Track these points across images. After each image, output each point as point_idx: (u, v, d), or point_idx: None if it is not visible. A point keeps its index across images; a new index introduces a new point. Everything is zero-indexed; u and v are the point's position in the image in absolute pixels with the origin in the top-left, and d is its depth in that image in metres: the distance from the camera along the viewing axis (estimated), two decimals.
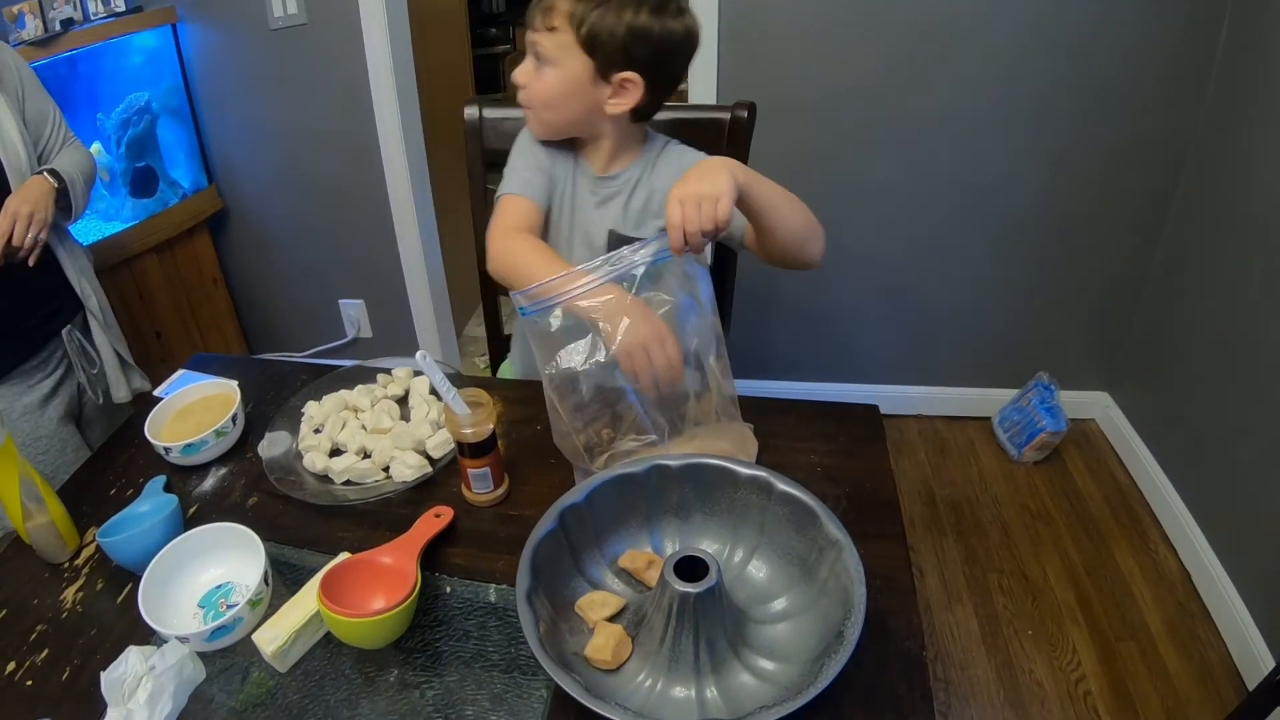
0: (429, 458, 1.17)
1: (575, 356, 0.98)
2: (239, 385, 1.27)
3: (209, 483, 1.15)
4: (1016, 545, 2.19)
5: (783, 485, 0.88)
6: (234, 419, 1.20)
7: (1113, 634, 1.92)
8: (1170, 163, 2.11)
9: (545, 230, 1.31)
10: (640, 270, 1.01)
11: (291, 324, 2.85)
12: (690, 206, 0.95)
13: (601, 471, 0.91)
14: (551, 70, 1.18)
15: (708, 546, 0.93)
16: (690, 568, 0.79)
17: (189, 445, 1.15)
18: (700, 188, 0.96)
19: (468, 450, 1.04)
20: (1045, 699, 1.80)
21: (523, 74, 1.21)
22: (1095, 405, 2.55)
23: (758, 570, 0.92)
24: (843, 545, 0.82)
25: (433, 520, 1.03)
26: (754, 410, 1.12)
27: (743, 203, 1.03)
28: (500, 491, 1.10)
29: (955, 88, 2.09)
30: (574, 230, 1.34)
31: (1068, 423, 2.36)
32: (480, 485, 1.08)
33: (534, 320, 0.99)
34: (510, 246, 1.15)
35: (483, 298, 1.70)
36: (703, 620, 0.78)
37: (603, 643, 0.81)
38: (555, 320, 0.99)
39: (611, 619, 0.87)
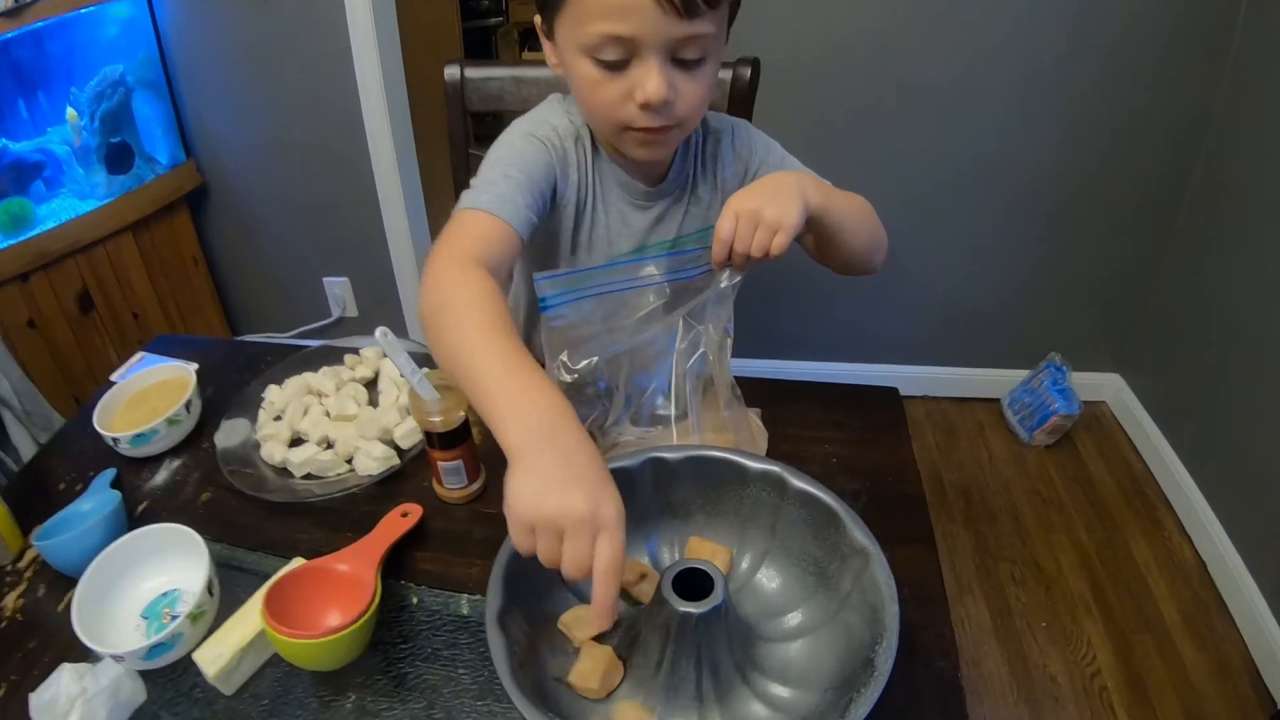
0: (397, 448, 1.06)
1: (580, 358, 0.87)
2: (201, 368, 1.16)
3: (161, 476, 1.05)
4: (1028, 533, 2.11)
5: (798, 482, 0.77)
6: (188, 405, 1.09)
7: (1128, 627, 1.86)
8: (1189, 139, 2.04)
9: (532, 266, 1.07)
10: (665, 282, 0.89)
11: (274, 304, 2.74)
12: (746, 224, 0.82)
13: None
14: (710, 65, 0.88)
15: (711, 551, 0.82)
16: (691, 580, 0.68)
17: (138, 435, 1.04)
18: (764, 208, 0.82)
19: (437, 441, 0.93)
20: (1060, 696, 1.73)
21: (666, 87, 0.83)
22: (1107, 387, 2.47)
23: (769, 579, 0.80)
24: (870, 554, 0.71)
25: (398, 521, 0.93)
26: (760, 394, 1.00)
27: (811, 224, 0.89)
28: (475, 487, 0.99)
29: (967, 56, 1.99)
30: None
31: (1081, 405, 2.27)
32: (452, 480, 0.97)
33: (548, 316, 0.89)
34: (455, 299, 0.78)
35: None
36: (706, 642, 0.67)
37: (589, 668, 0.70)
38: (564, 317, 0.89)
39: (600, 638, 0.75)
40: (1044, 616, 1.89)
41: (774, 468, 0.78)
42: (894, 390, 1.10)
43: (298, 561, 0.86)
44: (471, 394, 0.71)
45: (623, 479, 0.77)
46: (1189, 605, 1.89)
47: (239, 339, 2.75)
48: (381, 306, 2.67)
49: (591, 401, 0.94)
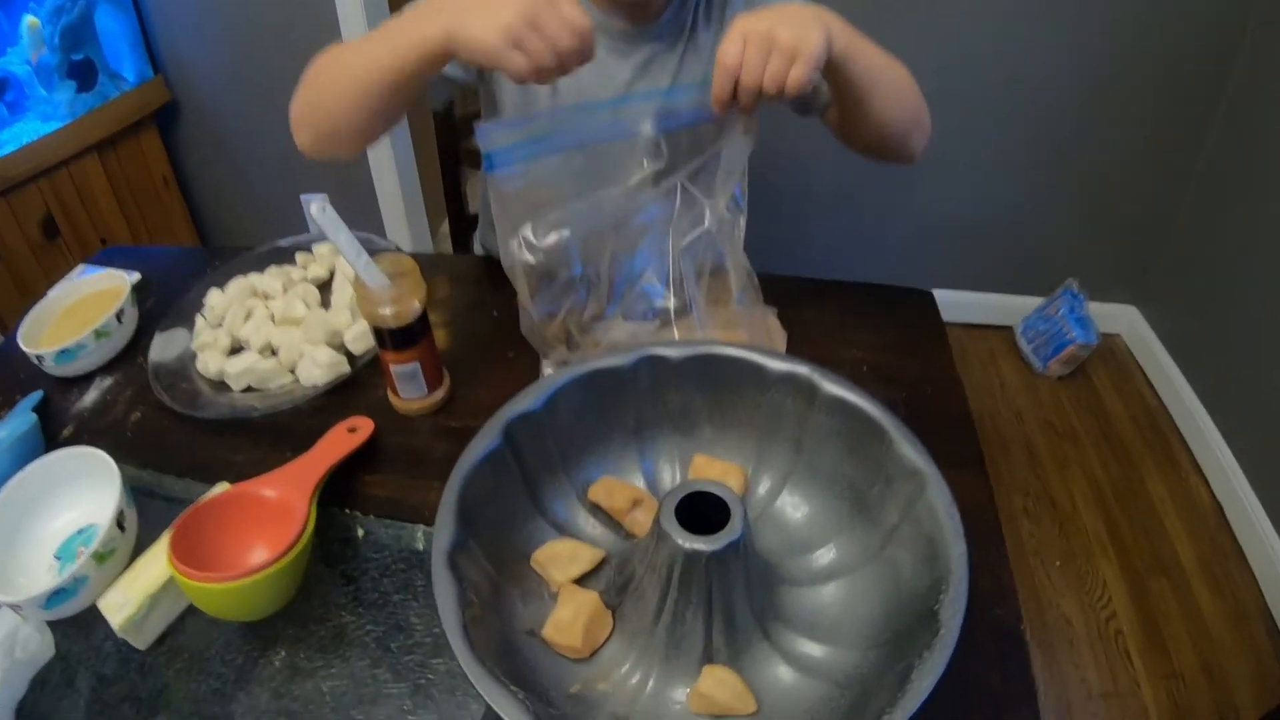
0: (349, 354, 0.92)
1: (547, 230, 0.69)
2: (146, 280, 1.06)
3: (90, 397, 0.92)
4: (1042, 466, 2.01)
5: (832, 386, 0.61)
6: (119, 316, 0.96)
7: (1144, 568, 1.78)
8: (1220, 64, 1.93)
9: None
10: (650, 126, 0.71)
11: (251, 223, 2.62)
12: (756, 50, 0.65)
13: (569, 365, 0.62)
14: None
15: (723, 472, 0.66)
16: (699, 508, 0.52)
17: (63, 351, 0.91)
18: (778, 30, 0.65)
19: (389, 339, 0.77)
20: (1075, 639, 1.64)
21: None
22: (1122, 319, 2.36)
23: (793, 508, 0.65)
24: (926, 478, 0.55)
25: (343, 437, 0.78)
26: (775, 293, 0.84)
27: (834, 75, 0.73)
28: (438, 396, 0.84)
29: None
30: None
31: (1099, 336, 2.16)
32: (409, 388, 0.81)
33: (498, 176, 0.70)
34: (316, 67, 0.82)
35: (442, 167, 1.41)
36: (718, 588, 0.52)
37: (570, 618, 0.55)
38: (522, 177, 0.70)
39: (583, 579, 0.60)
40: (1058, 555, 1.80)
41: (800, 368, 0.62)
42: (928, 294, 0.94)
43: (221, 487, 0.72)
44: (375, 81, 0.74)
45: (611, 382, 0.62)
46: (1205, 549, 1.81)
47: (188, 247, 2.60)
48: (363, 224, 2.50)
49: (565, 290, 0.77)
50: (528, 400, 0.60)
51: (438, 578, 0.49)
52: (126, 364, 0.96)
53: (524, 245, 0.72)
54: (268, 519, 0.69)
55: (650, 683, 0.54)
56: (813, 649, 0.56)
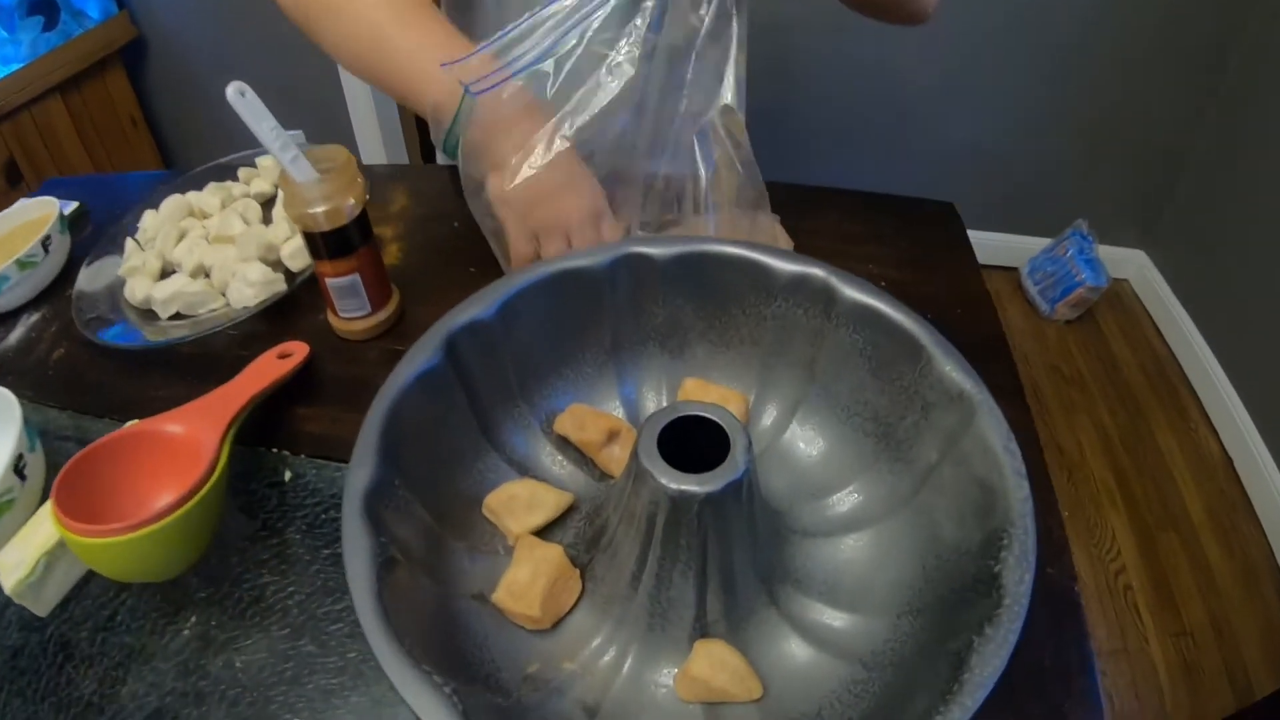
0: (287, 272, 0.80)
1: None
2: (86, 208, 0.96)
3: (16, 334, 0.81)
4: (1049, 412, 1.95)
5: (854, 292, 0.48)
6: (45, 244, 0.84)
7: (1153, 522, 1.72)
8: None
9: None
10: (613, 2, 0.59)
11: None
12: None
13: (530, 266, 0.50)
14: None
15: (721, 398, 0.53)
16: (688, 439, 0.41)
17: None
18: None
19: (322, 245, 0.65)
20: (1084, 594, 1.58)
21: None
22: (1130, 264, 2.28)
23: (806, 443, 0.52)
24: (975, 404, 0.44)
25: (272, 364, 0.67)
26: (778, 200, 0.71)
27: None
28: (383, 316, 0.72)
29: None
30: None
31: (1109, 278, 2.07)
32: (349, 304, 0.69)
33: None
34: None
35: None
36: (714, 541, 0.40)
37: (527, 579, 0.43)
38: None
39: (546, 531, 0.48)
40: (1066, 505, 1.73)
41: (815, 270, 0.49)
42: (950, 206, 0.82)
43: (132, 425, 0.60)
44: (389, 82, 0.68)
45: (582, 287, 0.49)
46: (1215, 502, 1.76)
47: (132, 173, 2.52)
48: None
49: None
50: (476, 307, 0.47)
51: (349, 530, 0.38)
52: (55, 298, 0.85)
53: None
54: (174, 461, 0.56)
55: (628, 662, 0.42)
56: (831, 617, 0.44)
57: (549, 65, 0.60)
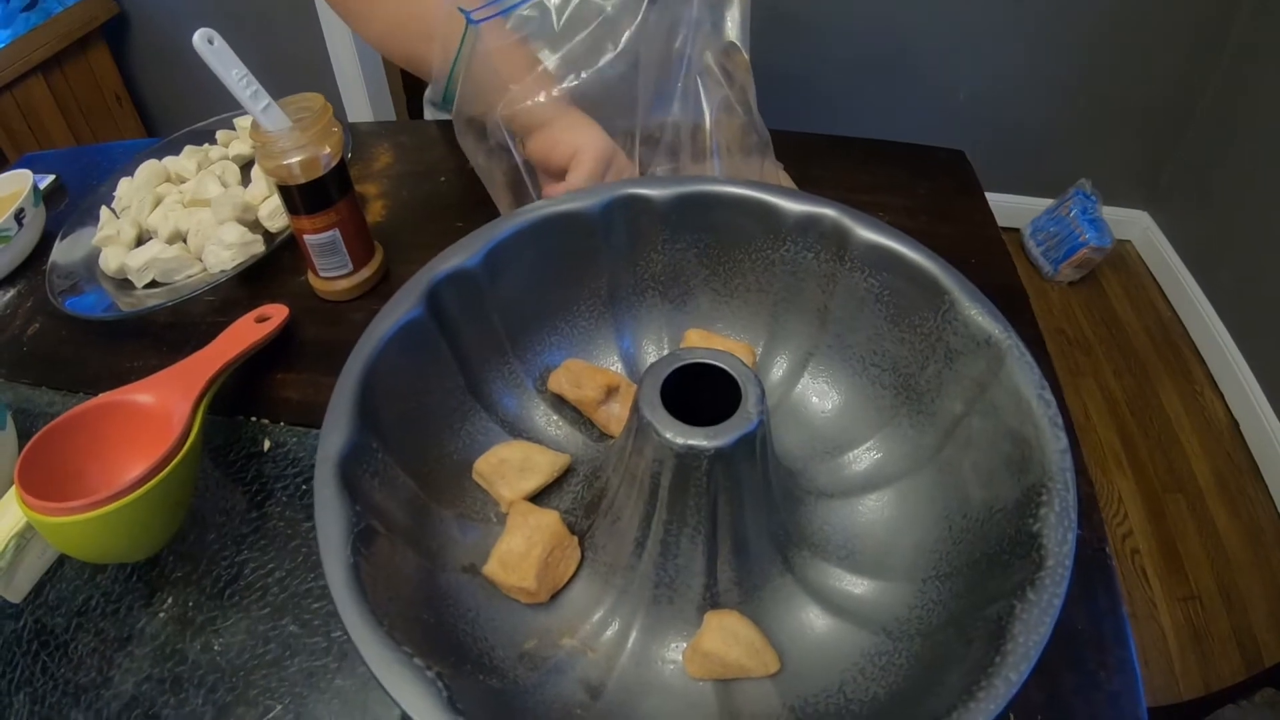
0: (266, 233, 0.77)
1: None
2: (63, 181, 0.94)
3: None
4: (1053, 375, 1.85)
5: (868, 232, 0.44)
6: (19, 217, 0.81)
7: (1160, 485, 1.70)
8: None
9: None
10: None
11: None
12: None
13: (518, 210, 0.46)
14: None
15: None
16: (695, 390, 0.37)
17: None
18: None
19: (299, 199, 0.61)
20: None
21: None
22: (1134, 225, 2.24)
23: (819, 396, 0.49)
24: (1004, 349, 0.40)
25: (249, 328, 0.64)
26: (784, 149, 0.68)
27: None
28: (366, 274, 0.68)
29: None
30: None
31: (1113, 239, 2.03)
32: (329, 263, 0.65)
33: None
34: None
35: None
36: (725, 502, 0.36)
37: (521, 549, 0.39)
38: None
39: (541, 496, 0.44)
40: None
41: (827, 209, 0.45)
42: (960, 154, 0.78)
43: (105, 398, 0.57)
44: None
45: (576, 232, 0.45)
46: (1221, 465, 1.73)
47: (109, 143, 2.51)
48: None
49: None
50: (460, 255, 0.43)
51: (321, 498, 0.34)
52: (30, 273, 0.82)
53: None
54: (144, 433, 0.53)
55: (632, 636, 0.39)
56: (852, 583, 0.41)
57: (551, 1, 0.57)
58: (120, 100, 2.35)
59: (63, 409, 0.63)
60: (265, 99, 0.60)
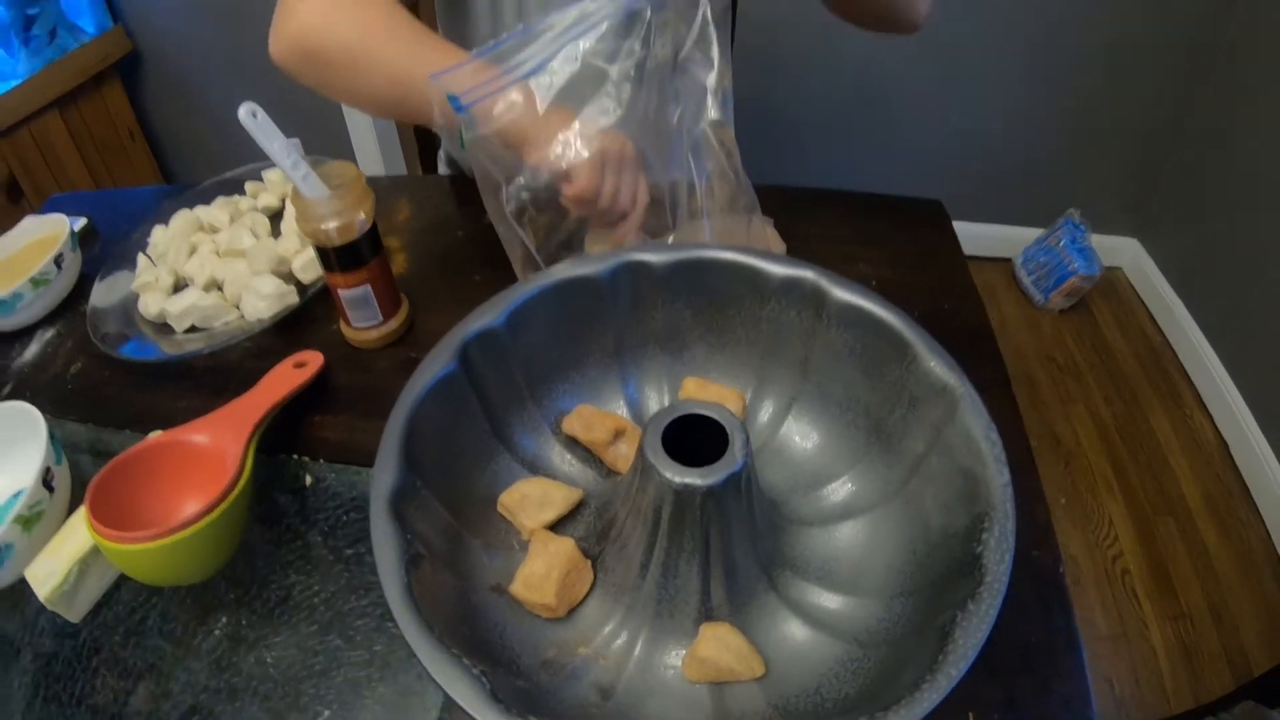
0: (298, 284, 0.82)
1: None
2: (93, 224, 0.97)
3: (31, 350, 0.83)
4: (1044, 402, 1.96)
5: (844, 293, 0.51)
6: (58, 261, 0.86)
7: (1150, 508, 1.73)
8: None
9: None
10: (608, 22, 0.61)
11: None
12: None
13: (535, 276, 0.53)
14: None
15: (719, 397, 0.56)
16: (690, 435, 0.43)
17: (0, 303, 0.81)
18: None
19: (334, 259, 0.68)
20: (1081, 579, 1.60)
21: None
22: (1124, 252, 2.28)
23: (801, 437, 0.56)
24: (958, 395, 0.46)
25: (289, 374, 0.69)
26: (769, 203, 0.74)
27: None
28: (394, 325, 0.75)
29: None
30: None
31: (1101, 267, 2.08)
32: (361, 315, 0.72)
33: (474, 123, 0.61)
34: (348, 14, 0.69)
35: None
36: (716, 531, 0.43)
37: (542, 571, 0.46)
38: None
39: (558, 525, 0.51)
40: (1063, 492, 1.75)
41: (806, 272, 0.52)
42: (937, 203, 0.85)
43: (155, 435, 0.63)
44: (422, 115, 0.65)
45: (586, 294, 0.52)
46: (1211, 487, 1.77)
47: (136, 188, 2.52)
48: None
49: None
50: (487, 316, 0.50)
51: (377, 530, 0.40)
52: (69, 314, 0.87)
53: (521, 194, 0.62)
54: (200, 469, 0.59)
55: (639, 646, 0.45)
56: (828, 600, 0.47)
57: (546, 78, 0.62)
58: (133, 136, 2.38)
59: (109, 445, 0.70)
60: (305, 167, 0.66)
